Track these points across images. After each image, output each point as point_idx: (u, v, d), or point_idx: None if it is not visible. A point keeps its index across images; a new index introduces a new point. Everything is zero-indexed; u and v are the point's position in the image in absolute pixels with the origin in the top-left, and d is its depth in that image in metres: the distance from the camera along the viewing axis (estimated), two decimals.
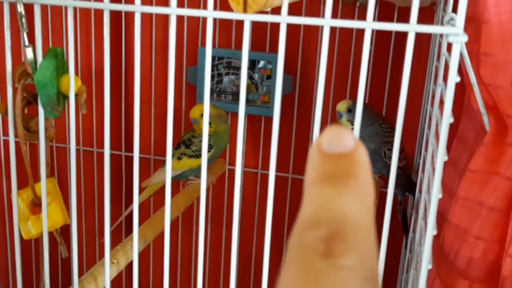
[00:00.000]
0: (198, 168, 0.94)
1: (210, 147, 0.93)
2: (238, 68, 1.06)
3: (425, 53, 0.94)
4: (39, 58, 0.50)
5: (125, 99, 1.13)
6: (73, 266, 0.54)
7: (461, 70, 0.56)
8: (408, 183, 0.88)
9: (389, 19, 0.95)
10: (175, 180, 0.99)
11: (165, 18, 1.07)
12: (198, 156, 0.93)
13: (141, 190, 1.00)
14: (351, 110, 0.86)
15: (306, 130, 1.06)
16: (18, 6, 0.47)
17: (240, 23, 1.04)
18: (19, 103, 0.51)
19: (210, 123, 0.90)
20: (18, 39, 0.49)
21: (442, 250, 0.62)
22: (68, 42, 0.47)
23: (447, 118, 0.40)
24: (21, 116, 0.52)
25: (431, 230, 0.42)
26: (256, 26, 1.00)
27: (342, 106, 0.87)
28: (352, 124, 0.87)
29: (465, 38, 0.39)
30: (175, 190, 1.13)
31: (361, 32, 1.02)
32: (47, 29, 1.10)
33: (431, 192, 0.47)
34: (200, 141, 0.93)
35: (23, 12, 0.47)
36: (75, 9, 1.05)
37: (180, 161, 0.93)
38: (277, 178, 1.12)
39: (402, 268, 0.95)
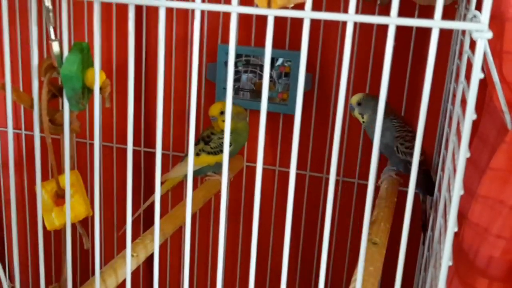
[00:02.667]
0: (216, 164, 0.95)
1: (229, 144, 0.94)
2: (256, 66, 1.06)
3: (446, 51, 0.94)
4: (65, 52, 0.50)
5: (145, 95, 1.14)
6: (95, 258, 0.55)
7: (483, 68, 0.56)
8: (426, 180, 0.88)
9: (410, 17, 0.94)
10: (193, 176, 0.99)
11: (185, 13, 1.07)
12: (217, 153, 0.94)
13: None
14: (360, 104, 0.88)
15: (325, 128, 1.06)
16: (45, 0, 0.48)
17: (259, 20, 1.04)
18: (44, 96, 0.52)
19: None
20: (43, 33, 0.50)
21: (461, 248, 0.62)
22: (94, 37, 0.48)
23: (470, 114, 0.40)
24: (47, 109, 0.52)
25: (452, 226, 0.42)
26: (276, 23, 1.00)
27: (353, 100, 0.89)
28: (363, 117, 0.89)
29: (489, 34, 0.39)
30: (193, 186, 1.14)
31: (381, 29, 1.02)
32: (69, 24, 1.11)
33: (452, 189, 0.47)
34: (219, 138, 0.94)
35: (50, 7, 0.48)
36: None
37: (199, 157, 0.94)
38: (295, 175, 1.13)
39: (419, 266, 0.94)
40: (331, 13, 0.41)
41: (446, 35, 0.93)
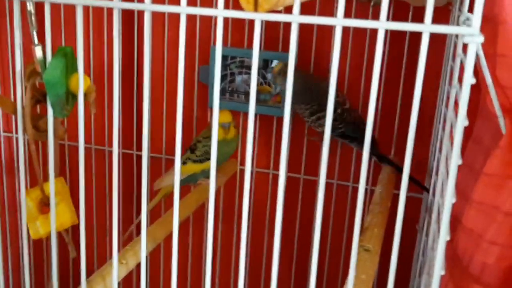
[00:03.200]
0: (202, 172, 0.94)
1: (209, 153, 0.92)
2: (249, 67, 1.05)
3: (440, 52, 0.93)
4: (49, 57, 0.49)
5: (137, 98, 1.13)
6: (81, 266, 0.54)
7: (477, 71, 0.55)
8: (355, 131, 0.95)
9: (404, 18, 0.93)
10: (185, 184, 0.98)
11: (177, 16, 1.06)
12: (202, 161, 0.93)
13: (152, 192, 0.99)
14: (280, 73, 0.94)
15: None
16: (28, 4, 0.47)
17: (253, 22, 1.03)
18: (28, 102, 0.51)
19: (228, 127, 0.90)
20: (28, 38, 0.49)
21: (455, 254, 0.61)
22: (77, 41, 0.47)
23: (462, 121, 0.39)
24: (30, 115, 0.51)
25: (444, 236, 0.41)
26: (269, 25, 0.99)
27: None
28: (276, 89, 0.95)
29: (481, 38, 0.38)
30: (184, 193, 1.13)
31: (375, 30, 1.01)
32: (59, 28, 1.10)
33: (445, 195, 0.46)
34: (204, 146, 0.93)
35: (32, 11, 0.47)
36: (87, 8, 1.05)
37: (185, 166, 0.93)
38: (289, 178, 1.12)
39: (414, 271, 0.93)
40: (319, 17, 0.40)
41: (440, 36, 0.92)
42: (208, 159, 0.92)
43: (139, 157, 1.17)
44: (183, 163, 0.93)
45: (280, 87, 0.95)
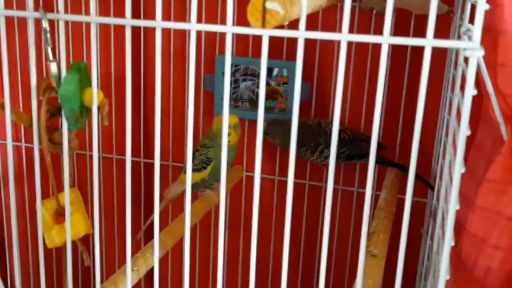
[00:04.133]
0: (202, 181, 0.93)
1: (209, 160, 0.92)
2: (255, 74, 1.07)
3: (443, 59, 0.94)
4: (63, 72, 0.51)
5: (144, 107, 1.15)
6: (96, 273, 0.55)
7: (479, 79, 0.57)
8: (357, 148, 0.98)
9: (406, 27, 0.95)
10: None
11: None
12: (200, 169, 0.92)
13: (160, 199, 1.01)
14: (267, 133, 1.01)
15: None
16: (43, 22, 0.49)
17: None
18: (43, 116, 0.52)
19: (229, 133, 0.91)
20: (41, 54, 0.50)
21: (459, 259, 0.62)
22: (91, 57, 0.49)
23: (464, 131, 0.41)
24: (45, 128, 0.53)
25: (448, 242, 0.43)
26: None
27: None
28: (276, 141, 1.01)
29: (481, 52, 0.39)
30: (192, 198, 1.14)
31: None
32: (68, 44, 1.12)
33: (449, 202, 0.47)
34: (201, 155, 0.92)
35: (47, 28, 0.48)
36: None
37: (186, 174, 0.93)
38: (294, 184, 1.13)
39: (420, 275, 0.95)
40: (325, 32, 0.42)
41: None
42: (205, 167, 0.91)
43: (147, 165, 1.18)
44: (185, 171, 0.93)
45: (271, 138, 1.00)
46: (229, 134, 0.89)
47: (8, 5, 0.51)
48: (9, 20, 1.10)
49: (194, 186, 0.94)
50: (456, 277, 0.63)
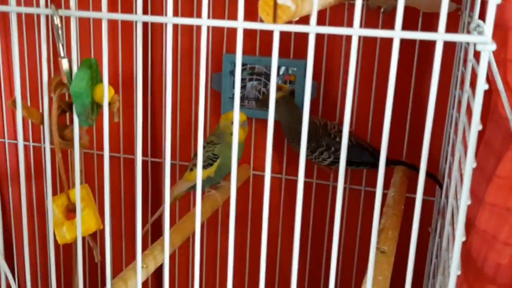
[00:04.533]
0: (208, 179, 0.93)
1: (215, 157, 0.91)
2: (261, 74, 1.07)
3: (451, 56, 0.94)
4: (74, 69, 0.51)
5: (151, 106, 1.15)
6: (106, 270, 0.56)
7: (488, 76, 0.56)
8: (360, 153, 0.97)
9: (414, 24, 0.95)
10: (191, 191, 0.99)
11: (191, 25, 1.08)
12: (206, 166, 0.92)
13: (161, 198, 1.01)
14: None
15: None
16: (55, 18, 0.49)
17: (264, 31, 1.04)
18: (54, 112, 0.53)
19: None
20: (53, 50, 0.51)
21: (469, 255, 0.62)
22: (102, 53, 0.49)
23: (476, 126, 0.41)
24: (56, 124, 0.53)
25: (460, 237, 0.43)
26: (281, 32, 1.01)
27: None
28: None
29: (493, 46, 0.39)
30: (187, 201, 1.15)
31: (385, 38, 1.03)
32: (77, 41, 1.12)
33: (459, 198, 0.47)
34: (207, 151, 0.91)
35: (59, 25, 0.49)
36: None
37: (191, 172, 0.93)
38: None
39: (428, 273, 0.94)
40: (336, 27, 0.42)
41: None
42: (211, 164, 0.91)
43: (154, 164, 1.19)
44: (190, 169, 0.93)
45: (277, 116, 0.97)
46: (246, 126, 0.91)
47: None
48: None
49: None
50: (466, 274, 0.63)
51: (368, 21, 0.98)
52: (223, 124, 0.92)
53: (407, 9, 0.94)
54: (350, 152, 0.95)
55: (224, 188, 0.97)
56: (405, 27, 1.00)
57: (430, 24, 0.93)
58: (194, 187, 0.93)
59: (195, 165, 0.92)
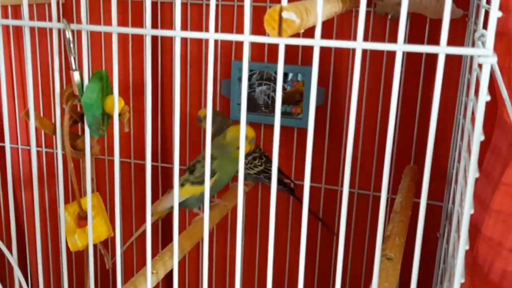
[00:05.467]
0: (202, 195, 0.85)
1: (212, 172, 0.84)
2: (270, 79, 1.08)
3: (459, 62, 0.94)
4: (86, 81, 0.53)
5: (161, 112, 1.17)
6: (117, 276, 0.57)
7: (494, 84, 0.57)
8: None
9: (421, 31, 0.95)
10: (181, 208, 0.91)
11: (200, 30, 1.10)
12: (201, 182, 0.85)
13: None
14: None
15: (339, 141, 1.07)
16: (67, 32, 0.50)
17: None
18: (66, 123, 0.54)
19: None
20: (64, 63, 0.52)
21: (476, 262, 0.63)
22: (112, 65, 0.50)
23: (478, 137, 0.41)
24: (68, 135, 0.55)
25: (463, 245, 0.43)
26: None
27: (202, 113, 1.00)
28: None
29: (494, 59, 0.40)
30: (180, 217, 1.15)
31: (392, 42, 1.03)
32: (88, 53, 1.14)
33: (463, 206, 0.48)
34: (203, 167, 0.82)
35: (71, 38, 0.50)
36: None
37: (183, 188, 0.85)
38: (310, 188, 1.14)
39: (436, 278, 0.95)
40: (340, 41, 0.43)
41: (459, 44, 0.93)
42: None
43: (164, 169, 1.20)
44: (181, 185, 0.86)
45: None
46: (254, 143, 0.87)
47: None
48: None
49: (190, 201, 0.87)
50: (472, 281, 0.63)
51: (376, 27, 0.99)
52: (230, 136, 0.86)
53: (413, 15, 0.95)
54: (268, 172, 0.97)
55: (218, 207, 0.91)
56: (411, 33, 1.01)
57: (438, 30, 0.94)
58: (184, 204, 0.87)
59: (186, 180, 0.86)
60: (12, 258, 0.61)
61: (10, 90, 1.22)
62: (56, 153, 1.25)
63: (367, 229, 1.08)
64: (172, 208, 0.87)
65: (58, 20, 0.51)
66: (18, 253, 0.62)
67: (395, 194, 0.91)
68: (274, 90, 1.08)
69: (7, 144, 0.58)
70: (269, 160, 0.98)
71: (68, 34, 0.50)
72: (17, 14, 1.18)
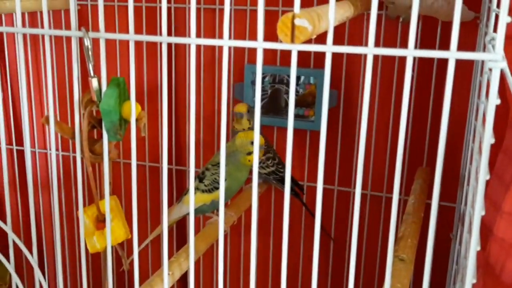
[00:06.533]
0: (212, 203, 0.86)
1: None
2: (283, 82, 1.09)
3: (470, 64, 0.95)
4: (103, 87, 0.54)
5: (175, 114, 1.18)
6: (135, 277, 0.58)
7: (505, 86, 0.58)
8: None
9: (432, 34, 0.96)
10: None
11: (213, 35, 1.11)
12: (211, 190, 0.85)
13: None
14: (249, 111, 0.98)
15: (351, 143, 1.08)
16: (85, 40, 0.52)
17: None
18: (85, 128, 0.56)
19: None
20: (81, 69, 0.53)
21: (488, 263, 0.63)
22: (129, 72, 0.52)
23: (488, 138, 0.42)
24: (87, 140, 0.56)
25: (474, 246, 0.44)
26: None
27: (242, 108, 0.98)
28: (250, 123, 0.97)
29: (504, 63, 0.41)
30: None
31: (404, 45, 1.04)
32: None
33: (475, 208, 0.48)
34: (212, 174, 0.86)
35: (89, 46, 0.52)
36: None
37: (195, 195, 0.83)
38: (323, 190, 1.14)
39: (449, 279, 0.95)
40: (351, 46, 0.44)
41: (471, 47, 0.94)
42: (217, 188, 0.85)
43: (178, 172, 1.22)
44: (186, 193, 0.87)
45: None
46: (251, 153, 0.85)
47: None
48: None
49: (201, 209, 0.87)
50: (484, 282, 0.63)
51: (387, 31, 1.00)
52: (239, 142, 0.86)
53: (425, 18, 0.96)
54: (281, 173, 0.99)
55: (226, 216, 0.90)
56: (423, 35, 1.01)
57: (449, 32, 0.94)
58: (195, 212, 0.87)
59: (197, 188, 0.86)
60: (33, 259, 0.63)
61: (27, 96, 1.25)
62: (73, 156, 1.27)
63: (380, 230, 1.08)
64: (180, 217, 0.89)
65: (77, 29, 0.52)
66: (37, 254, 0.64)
67: (407, 196, 0.91)
68: (287, 93, 1.09)
69: (27, 148, 0.60)
70: (281, 163, 0.99)
71: (87, 42, 0.51)
72: (33, 21, 1.20)
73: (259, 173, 0.98)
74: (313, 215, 0.94)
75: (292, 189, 1.01)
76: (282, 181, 0.99)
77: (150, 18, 1.13)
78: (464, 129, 0.98)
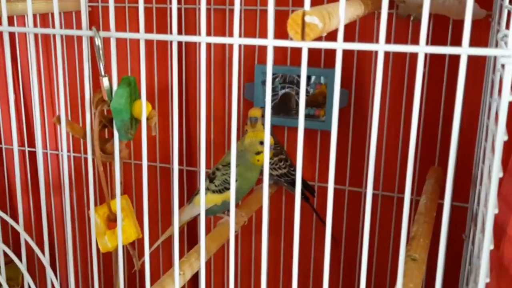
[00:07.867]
0: (223, 204, 0.86)
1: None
2: (293, 82, 1.09)
3: (482, 62, 0.94)
4: (114, 86, 0.54)
5: (186, 115, 1.19)
6: (146, 277, 0.58)
7: None
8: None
9: (444, 32, 0.95)
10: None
11: (223, 35, 1.11)
12: (222, 190, 0.85)
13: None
14: (264, 115, 0.96)
15: (362, 143, 1.07)
16: (96, 40, 0.52)
17: None
18: (96, 127, 0.56)
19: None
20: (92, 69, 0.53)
21: (501, 263, 0.63)
22: (140, 71, 0.52)
23: (501, 136, 0.42)
24: (98, 139, 0.56)
25: (487, 245, 0.44)
26: None
27: (257, 113, 0.97)
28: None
29: None
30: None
31: (415, 43, 1.03)
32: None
33: (487, 207, 0.48)
34: (223, 174, 0.85)
35: (100, 45, 0.52)
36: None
37: (205, 196, 0.85)
38: (334, 190, 1.14)
39: (462, 279, 0.94)
40: (362, 43, 0.44)
41: (483, 45, 0.93)
42: (228, 188, 0.84)
43: (189, 172, 1.22)
44: (196, 193, 0.87)
45: None
46: (260, 153, 0.85)
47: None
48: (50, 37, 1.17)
49: (212, 209, 0.87)
50: (498, 281, 0.63)
51: (398, 29, 0.99)
52: (248, 142, 0.86)
53: (436, 17, 0.95)
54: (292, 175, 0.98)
55: (236, 216, 0.86)
56: (434, 34, 1.01)
57: (461, 30, 0.93)
58: (206, 212, 0.86)
59: (207, 188, 0.86)
60: (45, 259, 0.63)
61: (39, 96, 1.25)
62: (85, 158, 1.27)
63: (392, 230, 1.08)
64: (191, 218, 0.89)
65: (88, 28, 0.52)
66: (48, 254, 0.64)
67: (419, 196, 0.91)
68: (297, 93, 1.09)
69: (39, 150, 0.60)
70: (293, 165, 0.99)
71: (98, 42, 0.52)
72: (45, 22, 1.21)
73: (270, 174, 0.97)
74: (323, 222, 0.94)
75: (302, 193, 1.00)
76: (293, 184, 0.97)
77: (161, 19, 1.13)
78: (476, 128, 0.97)
